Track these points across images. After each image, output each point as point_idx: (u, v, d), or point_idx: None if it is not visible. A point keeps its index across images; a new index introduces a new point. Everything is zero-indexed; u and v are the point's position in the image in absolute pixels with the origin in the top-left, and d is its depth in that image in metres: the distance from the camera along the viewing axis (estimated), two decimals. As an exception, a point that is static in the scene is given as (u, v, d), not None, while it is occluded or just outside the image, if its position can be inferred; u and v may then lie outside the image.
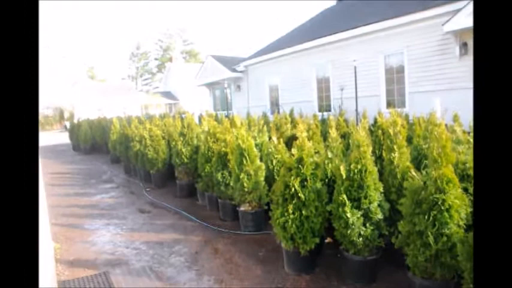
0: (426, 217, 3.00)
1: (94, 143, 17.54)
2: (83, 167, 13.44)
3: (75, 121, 21.12)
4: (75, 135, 19.01)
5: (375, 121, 6.55)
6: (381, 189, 3.75)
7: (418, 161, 4.46)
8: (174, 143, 8.04)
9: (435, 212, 2.97)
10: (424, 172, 3.28)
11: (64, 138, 24.99)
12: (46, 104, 50.86)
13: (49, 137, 29.88)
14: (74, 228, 6.15)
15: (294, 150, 4.03)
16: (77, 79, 52.49)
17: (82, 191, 9.27)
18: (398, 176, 3.95)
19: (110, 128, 13.73)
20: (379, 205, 3.67)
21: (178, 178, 8.02)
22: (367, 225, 3.59)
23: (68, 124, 29.84)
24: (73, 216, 6.87)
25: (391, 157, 4.05)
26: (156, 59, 68.16)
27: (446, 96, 8.74)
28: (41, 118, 44.95)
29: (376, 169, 3.76)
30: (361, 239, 3.57)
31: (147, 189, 8.79)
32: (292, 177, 3.90)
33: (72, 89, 47.13)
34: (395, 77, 11.81)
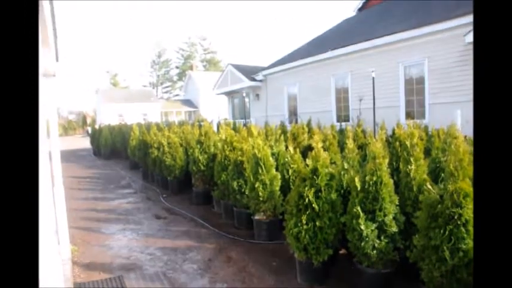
0: (442, 231, 2.93)
1: (114, 148, 17.86)
2: (103, 172, 13.71)
3: (97, 127, 21.59)
4: (96, 141, 19.43)
5: (393, 132, 6.48)
6: (397, 202, 3.69)
7: (436, 173, 4.38)
8: (191, 150, 8.13)
9: (451, 227, 2.90)
10: (441, 185, 3.21)
11: (86, 143, 25.57)
12: (70, 110, 52.34)
13: (71, 142, 30.65)
14: (91, 232, 6.27)
15: (308, 161, 4.02)
16: (100, 86, 53.78)
17: (101, 195, 9.45)
18: (414, 188, 3.88)
19: (130, 134, 13.97)
20: (394, 218, 3.62)
21: (194, 185, 8.09)
22: (382, 237, 3.53)
23: (89, 129, 30.52)
24: (91, 220, 7.00)
25: (408, 169, 3.98)
26: (177, 67, 69.29)
27: (468, 108, 8.52)
28: (64, 123, 46.27)
29: (392, 181, 3.71)
30: (375, 251, 3.52)
31: (164, 196, 8.89)
32: (307, 188, 3.88)
33: (95, 95, 48.32)
34: (415, 88, 11.65)
